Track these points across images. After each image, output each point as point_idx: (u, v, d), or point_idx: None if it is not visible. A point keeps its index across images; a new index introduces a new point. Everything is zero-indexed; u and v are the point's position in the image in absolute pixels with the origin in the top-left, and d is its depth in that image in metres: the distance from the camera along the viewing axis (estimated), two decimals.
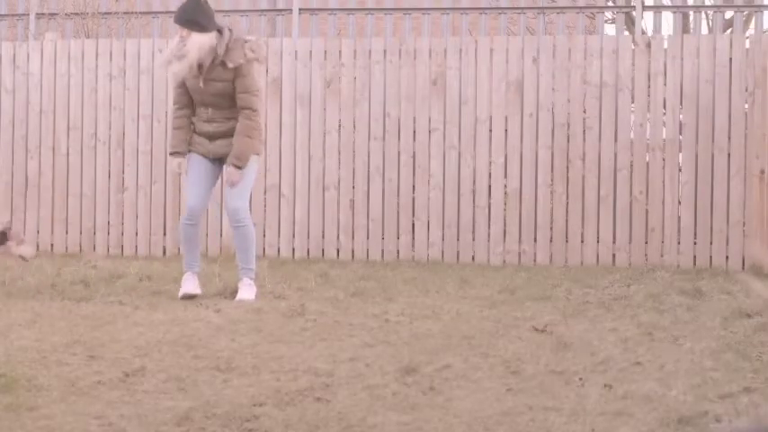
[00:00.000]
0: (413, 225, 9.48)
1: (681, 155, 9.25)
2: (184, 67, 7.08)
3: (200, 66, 7.07)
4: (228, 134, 7.13)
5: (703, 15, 13.38)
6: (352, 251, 9.51)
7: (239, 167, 7.07)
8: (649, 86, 9.29)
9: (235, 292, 7.14)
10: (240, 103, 7.12)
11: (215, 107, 7.15)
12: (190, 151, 7.21)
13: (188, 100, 7.20)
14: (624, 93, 9.29)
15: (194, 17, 7.07)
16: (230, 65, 7.05)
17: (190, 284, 7.15)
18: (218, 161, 7.23)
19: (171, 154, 7.33)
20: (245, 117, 7.11)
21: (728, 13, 12.42)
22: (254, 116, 7.16)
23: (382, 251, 9.47)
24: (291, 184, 9.57)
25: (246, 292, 7.10)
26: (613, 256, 9.22)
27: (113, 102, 9.88)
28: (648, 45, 9.32)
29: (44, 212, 9.90)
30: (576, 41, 9.44)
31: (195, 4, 7.13)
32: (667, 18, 17.78)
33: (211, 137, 7.16)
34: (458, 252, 9.40)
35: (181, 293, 7.09)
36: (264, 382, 4.92)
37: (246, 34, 10.64)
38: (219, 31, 7.10)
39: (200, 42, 7.03)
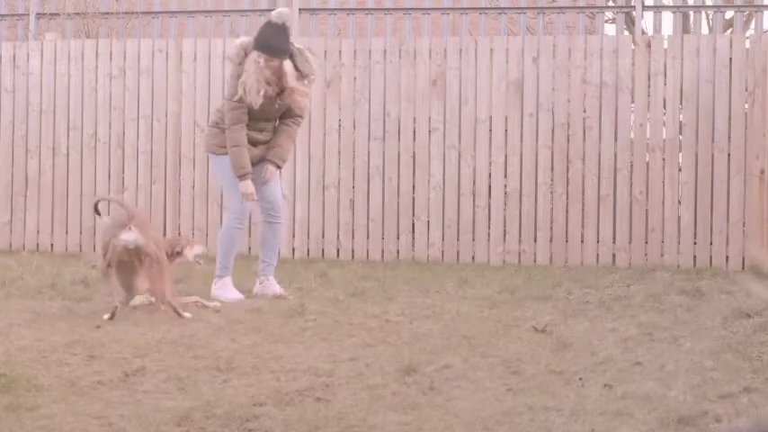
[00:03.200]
0: (413, 225, 9.48)
1: (681, 155, 9.24)
2: (269, 94, 7.04)
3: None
4: (269, 141, 7.27)
5: (703, 15, 13.38)
6: (352, 251, 9.51)
7: (279, 167, 7.29)
8: (649, 86, 9.28)
9: (243, 290, 7.24)
10: (298, 112, 7.26)
11: (273, 119, 7.24)
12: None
13: (246, 116, 7.14)
14: (624, 93, 9.29)
15: (287, 46, 7.04)
16: (306, 81, 7.17)
17: (231, 291, 7.21)
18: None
19: (243, 176, 7.10)
20: (295, 123, 7.32)
21: (728, 13, 12.42)
22: (302, 121, 7.44)
23: (382, 251, 9.47)
24: (291, 183, 9.56)
25: (278, 288, 7.30)
26: (613, 256, 9.21)
27: (113, 102, 9.88)
28: (648, 45, 9.32)
29: (44, 212, 9.90)
30: (575, 41, 9.44)
31: (283, 31, 7.03)
32: (667, 18, 17.78)
33: (260, 144, 7.25)
34: (458, 252, 9.40)
35: (236, 297, 7.17)
36: (264, 382, 4.93)
37: (249, 35, 10.66)
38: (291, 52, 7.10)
39: (290, 72, 7.01)
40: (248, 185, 7.11)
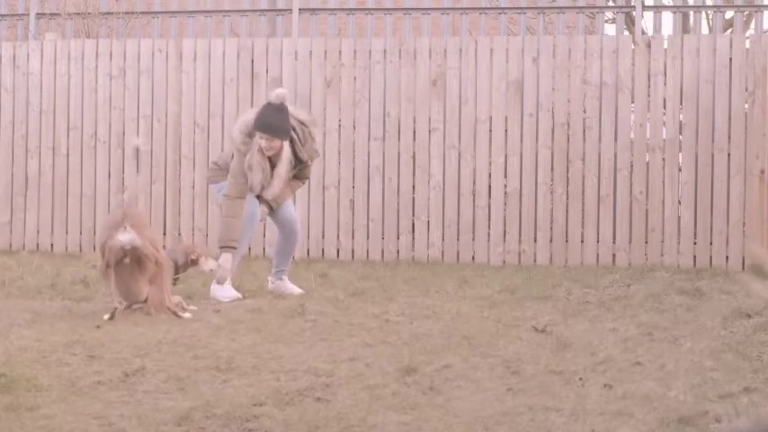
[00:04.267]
0: (413, 225, 9.48)
1: (681, 155, 9.25)
2: (266, 177, 7.15)
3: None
4: None
5: (703, 15, 13.37)
6: (352, 251, 9.51)
7: (272, 209, 7.36)
8: (649, 86, 9.29)
9: (243, 290, 7.25)
10: (306, 172, 7.51)
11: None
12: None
13: (247, 192, 7.20)
14: (624, 93, 9.29)
15: (287, 126, 7.14)
16: (310, 162, 7.42)
17: (228, 290, 7.20)
18: None
19: (226, 248, 7.13)
20: (300, 180, 7.52)
21: (728, 13, 12.42)
22: (307, 180, 7.70)
23: (382, 251, 9.47)
24: None
25: (297, 289, 7.39)
26: (613, 256, 9.21)
27: (113, 102, 9.88)
28: (648, 45, 9.32)
29: (44, 212, 9.90)
30: (575, 41, 9.44)
31: (282, 111, 7.14)
32: (667, 18, 17.77)
33: None
34: (458, 252, 9.40)
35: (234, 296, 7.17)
36: (264, 382, 4.93)
37: (249, 35, 10.64)
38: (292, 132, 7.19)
39: (285, 156, 7.14)
40: (228, 259, 7.10)
